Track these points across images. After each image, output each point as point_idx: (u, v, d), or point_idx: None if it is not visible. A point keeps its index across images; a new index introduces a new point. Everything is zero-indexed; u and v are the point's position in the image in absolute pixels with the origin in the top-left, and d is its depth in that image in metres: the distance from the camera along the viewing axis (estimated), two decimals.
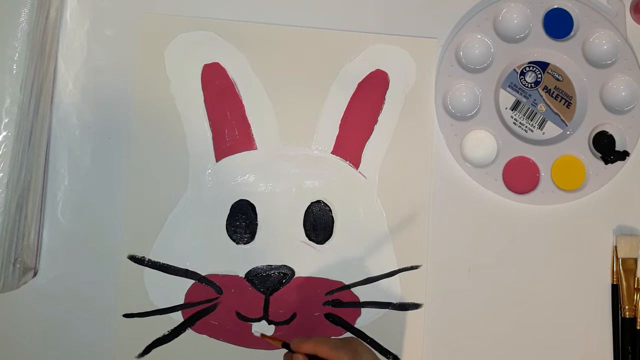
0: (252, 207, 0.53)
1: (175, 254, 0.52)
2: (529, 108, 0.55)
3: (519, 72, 0.55)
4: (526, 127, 0.55)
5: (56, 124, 0.53)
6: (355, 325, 0.53)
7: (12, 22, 0.48)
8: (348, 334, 0.53)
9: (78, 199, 0.52)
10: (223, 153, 0.53)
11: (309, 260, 0.53)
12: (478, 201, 0.54)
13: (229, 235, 0.53)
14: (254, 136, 0.53)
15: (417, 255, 0.53)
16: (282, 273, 0.52)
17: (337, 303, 0.53)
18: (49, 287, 0.52)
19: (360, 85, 0.54)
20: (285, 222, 0.53)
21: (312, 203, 0.53)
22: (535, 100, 0.55)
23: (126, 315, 0.52)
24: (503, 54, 0.54)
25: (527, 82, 0.55)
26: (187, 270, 0.52)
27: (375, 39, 0.54)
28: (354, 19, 0.54)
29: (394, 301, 0.53)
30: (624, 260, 0.53)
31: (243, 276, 0.52)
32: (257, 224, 0.53)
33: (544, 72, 0.55)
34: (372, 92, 0.54)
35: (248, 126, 0.53)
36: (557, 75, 0.55)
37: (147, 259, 0.52)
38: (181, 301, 0.52)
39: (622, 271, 0.53)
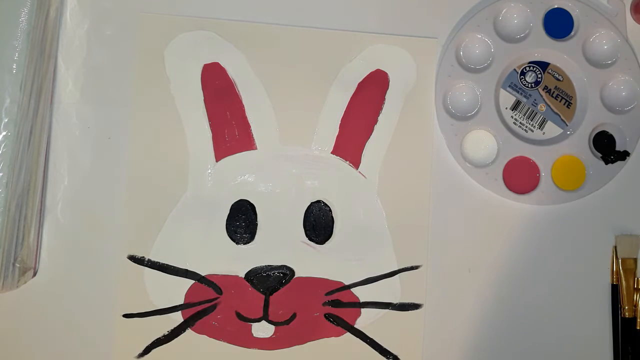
0: (252, 207, 0.53)
1: (175, 254, 0.52)
2: (529, 108, 0.55)
3: (519, 72, 0.55)
4: (526, 127, 0.55)
5: (56, 124, 0.53)
6: (355, 326, 0.53)
7: (12, 22, 0.48)
8: (348, 334, 0.53)
9: (78, 199, 0.52)
10: (223, 153, 0.53)
11: (309, 260, 0.53)
12: (478, 201, 0.54)
13: (228, 235, 0.53)
14: (254, 136, 0.53)
15: (417, 255, 0.53)
16: (282, 273, 0.52)
17: (337, 303, 0.53)
18: (48, 287, 0.52)
19: (360, 85, 0.54)
20: (285, 222, 0.53)
21: (312, 203, 0.53)
22: (535, 100, 0.55)
23: (126, 315, 0.52)
24: (503, 54, 0.54)
25: (527, 82, 0.55)
26: (186, 270, 0.52)
27: (375, 39, 0.54)
28: (354, 19, 0.54)
29: (394, 301, 0.53)
30: (623, 260, 0.53)
31: (243, 276, 0.52)
32: (257, 224, 0.53)
33: (544, 72, 0.55)
34: (372, 92, 0.54)
35: (248, 126, 0.53)
36: (557, 75, 0.55)
37: (146, 259, 0.52)
38: (181, 301, 0.52)
39: (622, 271, 0.53)
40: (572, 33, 0.55)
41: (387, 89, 0.54)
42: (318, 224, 0.53)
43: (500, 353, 0.54)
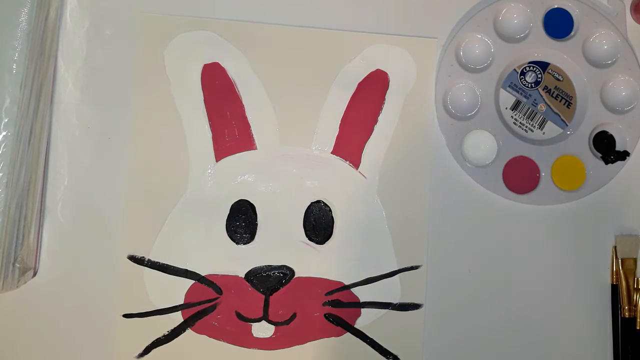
0: (252, 207, 0.53)
1: (175, 254, 0.52)
2: (529, 108, 0.55)
3: (519, 72, 0.55)
4: (526, 127, 0.55)
5: (56, 124, 0.53)
6: (355, 326, 0.53)
7: (12, 22, 0.48)
8: (348, 334, 0.53)
9: (78, 199, 0.52)
10: (223, 153, 0.53)
11: (309, 260, 0.53)
12: (478, 201, 0.54)
13: (228, 235, 0.53)
14: (254, 136, 0.53)
15: (417, 255, 0.53)
16: (281, 273, 0.52)
17: (337, 303, 0.53)
18: (48, 287, 0.52)
19: (360, 85, 0.54)
20: (285, 222, 0.53)
21: (312, 203, 0.53)
22: (535, 100, 0.55)
23: (126, 316, 0.52)
24: (503, 54, 0.54)
25: (527, 82, 0.55)
26: (186, 270, 0.52)
27: (375, 39, 0.54)
28: (354, 19, 0.54)
29: (394, 301, 0.53)
30: (623, 260, 0.53)
31: (243, 276, 0.52)
32: (257, 224, 0.53)
33: (544, 72, 0.55)
34: (372, 92, 0.54)
35: (248, 126, 0.53)
36: (557, 75, 0.55)
37: (146, 259, 0.52)
38: (181, 301, 0.52)
39: (621, 271, 0.53)
40: (572, 33, 0.55)
41: (387, 89, 0.54)
42: (318, 224, 0.53)
43: (500, 353, 0.54)
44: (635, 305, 0.53)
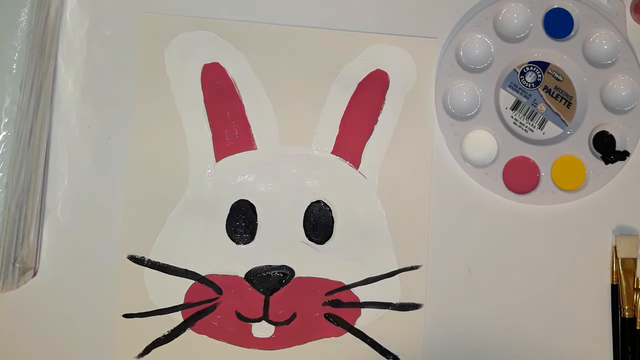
0: (252, 207, 0.53)
1: (175, 254, 0.52)
2: (529, 108, 0.55)
3: (519, 72, 0.55)
4: (526, 127, 0.55)
5: (56, 124, 0.53)
6: (355, 326, 0.53)
7: (12, 22, 0.48)
8: (348, 334, 0.53)
9: (78, 199, 0.52)
10: (223, 153, 0.53)
11: (308, 260, 0.53)
12: (478, 201, 0.54)
13: (228, 235, 0.53)
14: (254, 136, 0.53)
15: (417, 255, 0.53)
16: (281, 273, 0.53)
17: (337, 303, 0.53)
18: (48, 287, 0.52)
19: (360, 85, 0.54)
20: (285, 222, 0.53)
21: (312, 203, 0.53)
22: (535, 100, 0.55)
23: (126, 316, 0.52)
24: (503, 54, 0.54)
25: (527, 82, 0.55)
26: (186, 270, 0.52)
27: (375, 39, 0.54)
28: (354, 19, 0.54)
29: (394, 301, 0.53)
30: (623, 260, 0.53)
31: (243, 276, 0.52)
32: (257, 224, 0.53)
33: (544, 72, 0.55)
34: (372, 92, 0.54)
35: (248, 126, 0.53)
36: (557, 75, 0.55)
37: (146, 259, 0.52)
38: (181, 301, 0.52)
39: (621, 271, 0.53)
40: (572, 33, 0.55)
41: (387, 89, 0.54)
42: (318, 224, 0.53)
43: (500, 353, 0.54)
44: (635, 305, 0.53)
